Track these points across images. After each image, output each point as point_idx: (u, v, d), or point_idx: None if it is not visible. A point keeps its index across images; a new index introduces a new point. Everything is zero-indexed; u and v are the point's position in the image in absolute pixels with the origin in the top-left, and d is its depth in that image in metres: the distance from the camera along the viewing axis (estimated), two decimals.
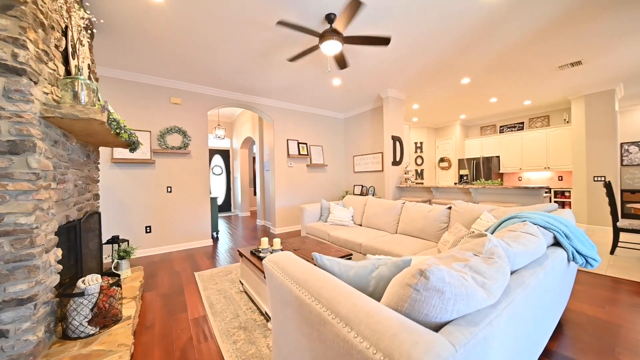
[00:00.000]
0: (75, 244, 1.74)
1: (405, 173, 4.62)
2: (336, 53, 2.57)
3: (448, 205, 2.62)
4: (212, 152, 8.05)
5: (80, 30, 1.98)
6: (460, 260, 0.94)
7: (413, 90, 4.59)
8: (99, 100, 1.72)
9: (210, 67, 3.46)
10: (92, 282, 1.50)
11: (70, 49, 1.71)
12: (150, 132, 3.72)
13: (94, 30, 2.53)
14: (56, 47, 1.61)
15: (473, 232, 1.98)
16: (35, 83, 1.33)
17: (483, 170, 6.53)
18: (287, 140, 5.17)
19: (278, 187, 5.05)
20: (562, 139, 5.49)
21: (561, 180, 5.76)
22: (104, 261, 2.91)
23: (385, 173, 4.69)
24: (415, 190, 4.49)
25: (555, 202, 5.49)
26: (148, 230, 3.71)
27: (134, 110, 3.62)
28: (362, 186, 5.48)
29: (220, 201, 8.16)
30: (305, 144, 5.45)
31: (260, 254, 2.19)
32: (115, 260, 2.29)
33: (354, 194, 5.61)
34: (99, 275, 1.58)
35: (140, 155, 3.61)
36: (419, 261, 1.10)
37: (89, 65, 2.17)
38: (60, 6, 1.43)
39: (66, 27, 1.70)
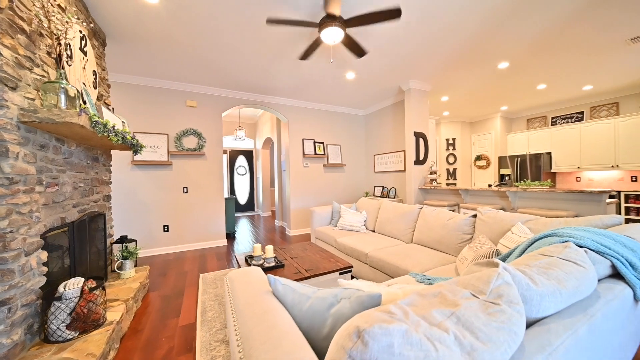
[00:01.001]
0: (69, 245, 1.79)
1: (431, 173, 4.14)
2: (340, 40, 2.31)
3: (473, 213, 2.19)
4: (236, 153, 8.29)
5: (83, 37, 2.05)
6: (446, 305, 0.66)
7: (439, 80, 4.09)
8: (84, 104, 1.73)
9: (223, 68, 3.45)
10: (72, 287, 1.50)
11: (64, 56, 1.75)
12: (167, 135, 3.86)
13: (105, 39, 2.66)
14: (48, 53, 1.65)
15: (495, 251, 1.58)
16: (13, 88, 1.34)
17: (530, 169, 5.63)
18: (303, 139, 5.02)
19: (293, 188, 4.93)
20: (636, 129, 4.44)
21: (635, 181, 4.68)
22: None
23: (407, 173, 4.26)
24: (442, 193, 4.00)
25: (627, 208, 4.46)
26: (166, 229, 3.87)
27: (152, 115, 3.78)
28: (383, 187, 5.10)
29: (243, 201, 8.39)
30: (322, 143, 5.25)
31: (253, 261, 2.06)
32: (119, 261, 2.35)
33: (374, 196, 5.25)
34: (82, 279, 1.59)
35: (158, 157, 3.76)
36: (391, 296, 0.83)
37: (94, 71, 2.25)
38: (39, 12, 1.43)
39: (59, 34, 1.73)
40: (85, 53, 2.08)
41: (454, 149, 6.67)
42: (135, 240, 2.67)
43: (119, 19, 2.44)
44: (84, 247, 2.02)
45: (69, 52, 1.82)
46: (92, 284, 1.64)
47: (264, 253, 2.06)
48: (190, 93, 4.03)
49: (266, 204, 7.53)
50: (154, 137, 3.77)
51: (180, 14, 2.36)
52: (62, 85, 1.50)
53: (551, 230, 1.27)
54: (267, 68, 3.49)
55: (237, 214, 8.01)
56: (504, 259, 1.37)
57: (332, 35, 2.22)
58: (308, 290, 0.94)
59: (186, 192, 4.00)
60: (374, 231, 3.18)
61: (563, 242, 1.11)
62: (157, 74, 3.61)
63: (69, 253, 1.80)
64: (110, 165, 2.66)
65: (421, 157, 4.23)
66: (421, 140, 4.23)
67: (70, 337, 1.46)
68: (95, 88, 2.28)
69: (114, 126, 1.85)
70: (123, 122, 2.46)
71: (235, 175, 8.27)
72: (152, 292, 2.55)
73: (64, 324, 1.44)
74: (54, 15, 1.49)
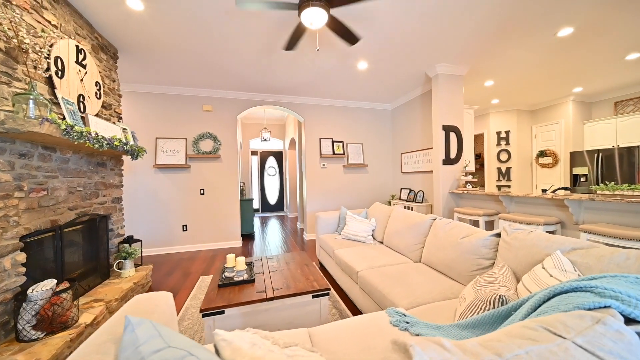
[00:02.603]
0: (55, 247, 1.91)
1: (465, 174, 3.43)
2: (324, 23, 1.99)
3: (496, 231, 1.63)
4: (267, 154, 8.49)
5: (80, 51, 2.19)
6: None
7: (478, 61, 3.35)
8: (62, 116, 1.81)
9: (228, 69, 3.44)
10: (39, 289, 1.56)
11: (53, 70, 1.87)
12: (186, 139, 4.06)
13: (116, 53, 2.86)
14: (35, 68, 1.77)
15: (500, 297, 1.06)
16: None
17: (620, 167, 4.27)
18: (320, 139, 4.76)
19: (309, 189, 4.72)
20: None
21: None
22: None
23: (434, 174, 3.63)
24: (478, 199, 3.27)
25: None
26: (184, 229, 4.08)
27: (171, 121, 4.02)
28: (410, 190, 4.49)
29: (273, 201, 8.54)
30: (342, 142, 4.90)
31: (225, 273, 1.91)
32: (119, 260, 2.49)
33: (399, 200, 4.67)
34: (54, 281, 1.65)
35: (177, 160, 3.98)
36: None
37: (97, 82, 2.41)
38: (5, 28, 1.51)
39: (49, 50, 1.85)
40: (84, 66, 2.23)
41: (507, 143, 5.53)
42: (141, 241, 2.81)
43: (124, 33, 2.57)
44: (79, 247, 2.16)
45: (59, 66, 1.95)
46: (65, 286, 1.70)
47: (236, 265, 1.89)
48: (206, 98, 4.16)
49: (293, 205, 7.50)
50: (174, 142, 4.00)
51: (166, 20, 2.36)
52: (32, 97, 1.57)
53: (585, 279, 0.76)
54: (268, 65, 3.34)
55: (266, 214, 8.21)
56: (506, 315, 0.90)
57: (314, 18, 1.91)
58: (159, 343, 0.70)
59: (203, 194, 4.15)
60: (382, 243, 2.74)
61: (599, 307, 0.64)
62: (174, 82, 3.80)
63: (56, 254, 1.92)
64: (122, 170, 2.85)
65: (452, 155, 3.55)
66: (452, 135, 3.55)
67: (36, 337, 1.51)
68: (99, 98, 2.44)
69: (92, 133, 1.91)
70: (124, 129, 2.60)
71: (266, 176, 8.48)
72: (151, 291, 2.63)
73: (29, 325, 1.50)
74: (22, 32, 1.56)
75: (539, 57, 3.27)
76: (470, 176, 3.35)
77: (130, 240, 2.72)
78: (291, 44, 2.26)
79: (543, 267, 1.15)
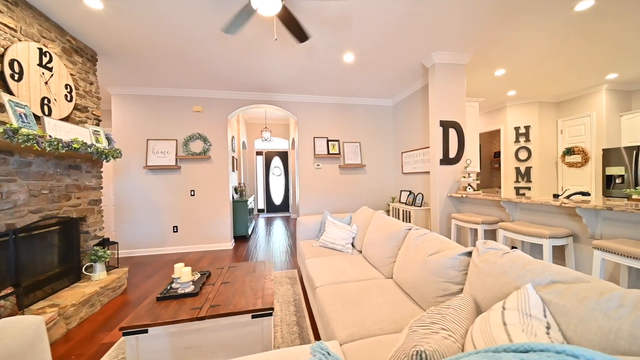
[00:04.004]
0: (8, 252, 1.89)
1: (466, 176, 3.04)
2: (276, 11, 1.79)
3: (467, 249, 1.32)
4: (273, 154, 8.42)
5: (45, 54, 2.19)
6: None
7: (481, 46, 2.94)
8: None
9: (214, 67, 3.35)
10: None
11: (8, 73, 1.86)
12: (176, 140, 4.06)
13: (94, 55, 2.86)
14: None
15: (421, 354, 0.78)
16: None
17: None
18: (314, 138, 4.55)
19: (302, 191, 4.53)
20: None
21: None
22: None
23: (431, 176, 3.27)
24: (480, 204, 2.88)
25: None
26: (175, 230, 4.08)
27: (162, 122, 4.03)
28: (410, 192, 4.13)
29: (278, 202, 8.46)
30: (337, 141, 4.64)
31: (173, 284, 1.78)
32: (89, 264, 2.47)
33: (399, 203, 4.32)
34: None
35: (167, 162, 3.99)
36: None
37: (67, 85, 2.41)
38: None
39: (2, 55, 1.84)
40: (49, 69, 2.23)
41: (526, 140, 4.92)
42: (117, 243, 2.80)
43: (99, 35, 2.55)
44: (45, 250, 2.16)
45: (15, 69, 1.94)
46: (7, 291, 1.66)
47: (180, 276, 1.75)
48: (196, 98, 4.13)
49: (295, 206, 7.36)
50: (164, 143, 4.01)
51: (130, 19, 2.29)
52: None
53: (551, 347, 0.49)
54: (246, 59, 3.20)
55: (271, 215, 8.15)
56: None
57: (263, 2, 1.71)
58: None
59: (193, 195, 4.13)
60: (361, 252, 2.48)
61: None
62: (162, 83, 3.80)
63: (9, 258, 1.90)
64: (100, 172, 2.85)
65: (452, 155, 3.16)
66: (452, 132, 3.16)
67: None
68: (70, 101, 2.44)
69: (47, 136, 1.88)
70: (96, 131, 2.59)
71: (271, 176, 8.43)
72: (125, 296, 2.60)
73: None
74: None
75: (556, 38, 2.79)
76: (472, 178, 2.95)
77: (105, 242, 2.71)
78: (232, 28, 2.04)
79: (503, 307, 0.85)
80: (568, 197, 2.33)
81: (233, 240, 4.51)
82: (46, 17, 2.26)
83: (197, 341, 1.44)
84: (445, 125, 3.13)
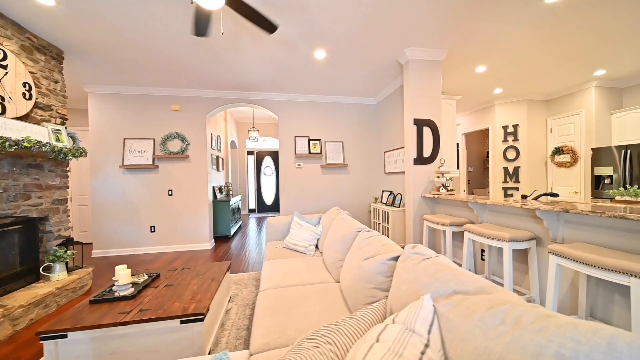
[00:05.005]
0: None
1: (440, 176, 2.94)
2: (221, 4, 1.72)
3: (395, 254, 1.24)
4: (264, 154, 8.38)
5: None
6: None
7: (457, 42, 2.85)
8: None
9: (192, 67, 3.31)
10: None
11: None
12: (154, 139, 4.03)
13: (60, 54, 2.84)
14: None
15: None
16: None
17: None
18: (295, 137, 4.48)
19: (283, 191, 4.47)
20: None
21: None
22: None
23: (406, 176, 3.18)
24: (453, 205, 2.78)
25: None
26: (152, 230, 4.05)
27: (139, 121, 4.00)
28: (390, 192, 4.03)
29: (270, 201, 8.41)
30: (319, 140, 4.57)
31: (113, 287, 1.74)
32: (47, 264, 2.44)
33: (381, 203, 4.23)
34: None
35: (144, 161, 3.96)
36: None
37: (26, 83, 2.38)
38: None
39: None
40: (3, 67, 2.20)
41: (515, 139, 4.78)
42: (81, 243, 2.77)
43: (63, 33, 2.52)
44: None
45: None
46: None
47: (118, 278, 1.70)
48: (173, 97, 4.09)
49: None
50: (142, 142, 3.98)
51: (85, 16, 2.24)
52: None
53: None
54: (214, 56, 3.14)
55: (262, 215, 8.11)
56: None
57: None
58: None
59: (171, 195, 4.10)
60: (322, 254, 2.41)
61: None
62: (138, 82, 3.77)
63: None
64: (65, 171, 2.82)
65: (427, 154, 3.06)
66: (427, 131, 3.07)
67: None
68: (29, 99, 2.41)
69: None
70: (56, 130, 2.56)
71: (262, 176, 8.39)
72: (86, 296, 2.56)
73: None
74: None
75: (533, 33, 2.68)
76: (445, 178, 2.85)
77: (68, 242, 2.69)
78: (198, 28, 2.00)
79: (393, 321, 0.78)
80: (536, 198, 2.22)
81: (213, 240, 4.47)
82: (2, 15, 2.23)
83: (122, 347, 1.38)
84: (420, 123, 3.04)
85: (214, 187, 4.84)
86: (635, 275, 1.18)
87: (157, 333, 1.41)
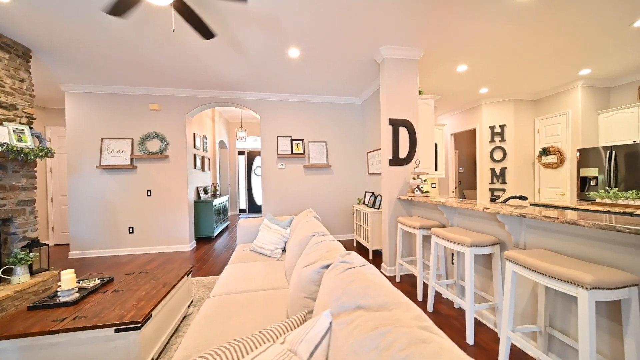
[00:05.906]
0: None
1: (415, 177, 2.87)
2: (169, 2, 1.66)
3: (328, 262, 1.18)
4: (255, 154, 8.33)
5: None
6: None
7: (432, 41, 2.78)
8: None
9: (168, 66, 3.26)
10: None
11: None
12: (132, 139, 3.98)
13: (27, 52, 2.79)
14: None
15: None
16: None
17: None
18: (277, 137, 4.42)
19: (265, 192, 4.41)
20: None
21: None
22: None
23: (382, 177, 3.11)
24: (427, 208, 2.71)
25: None
26: (131, 231, 4.00)
27: (117, 121, 3.95)
28: (372, 194, 3.97)
29: (260, 202, 8.35)
30: (302, 140, 4.50)
31: (58, 292, 1.68)
32: (8, 266, 2.39)
33: (364, 205, 4.17)
34: None
35: (122, 161, 3.91)
36: None
37: None
38: None
39: None
40: None
41: (502, 140, 4.70)
42: (47, 245, 2.72)
43: (28, 31, 2.48)
44: None
45: None
46: None
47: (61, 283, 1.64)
48: (152, 96, 4.04)
49: None
50: (120, 142, 3.93)
51: (43, 14, 2.19)
52: None
53: None
54: (182, 53, 3.09)
55: (252, 215, 8.06)
56: None
57: None
58: None
59: (150, 195, 4.05)
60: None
61: None
62: (115, 81, 3.72)
63: None
64: (32, 172, 2.78)
65: (403, 155, 3.00)
66: (403, 131, 3.00)
67: None
68: None
69: None
70: (18, 129, 2.51)
71: (253, 176, 8.34)
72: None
73: None
74: None
75: (511, 31, 2.60)
76: (420, 179, 2.78)
77: (33, 244, 2.64)
78: (118, 9, 1.86)
79: (284, 340, 0.71)
80: (504, 201, 2.15)
81: (194, 241, 4.42)
82: None
83: (52, 356, 1.33)
84: (396, 123, 2.97)
85: (197, 188, 4.79)
86: (582, 286, 1.11)
87: (91, 342, 1.36)
